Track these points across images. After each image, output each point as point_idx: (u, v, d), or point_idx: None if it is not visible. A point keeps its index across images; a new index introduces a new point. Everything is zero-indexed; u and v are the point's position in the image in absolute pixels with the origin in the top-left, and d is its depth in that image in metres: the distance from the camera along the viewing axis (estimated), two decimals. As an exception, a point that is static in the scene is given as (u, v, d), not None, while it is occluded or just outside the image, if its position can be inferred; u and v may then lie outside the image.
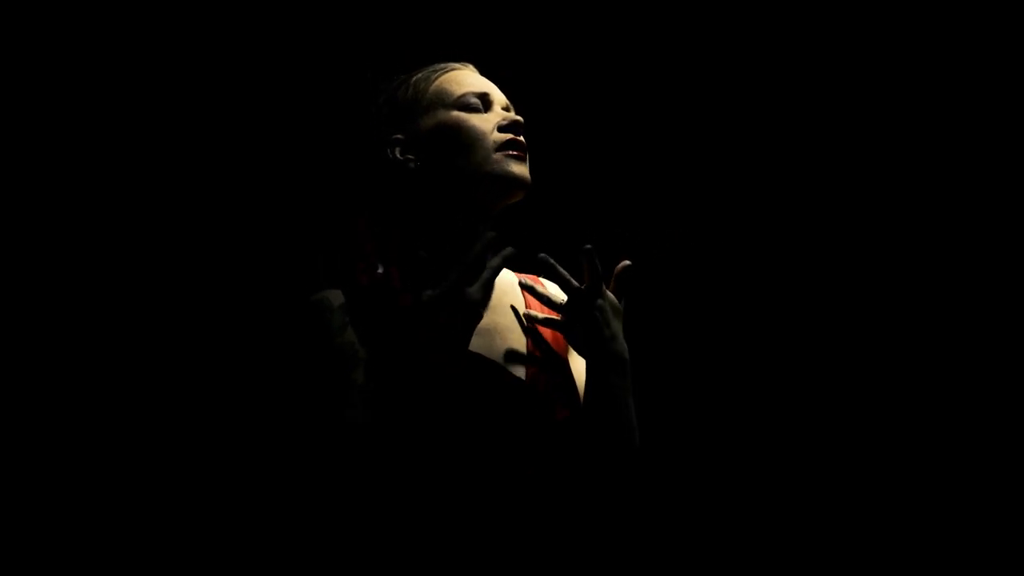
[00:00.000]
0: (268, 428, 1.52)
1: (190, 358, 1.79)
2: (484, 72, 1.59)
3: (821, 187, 2.41)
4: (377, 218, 1.47)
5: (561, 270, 1.49)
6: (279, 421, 1.41)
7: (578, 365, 1.51)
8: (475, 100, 1.51)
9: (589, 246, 1.46)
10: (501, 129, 1.49)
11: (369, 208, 1.50)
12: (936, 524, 2.32)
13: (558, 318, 1.50)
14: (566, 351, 1.52)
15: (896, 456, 2.35)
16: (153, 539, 1.73)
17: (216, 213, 1.90)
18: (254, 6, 1.97)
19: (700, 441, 2.34)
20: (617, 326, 1.46)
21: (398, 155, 1.48)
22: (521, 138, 1.50)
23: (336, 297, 1.40)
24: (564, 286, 1.48)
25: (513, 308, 1.51)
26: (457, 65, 1.57)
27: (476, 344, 1.43)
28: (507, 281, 1.55)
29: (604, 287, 1.47)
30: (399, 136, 1.49)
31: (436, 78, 1.53)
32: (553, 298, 1.51)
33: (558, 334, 1.51)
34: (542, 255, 1.48)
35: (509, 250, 1.31)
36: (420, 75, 1.54)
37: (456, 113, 1.49)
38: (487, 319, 1.48)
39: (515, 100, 1.58)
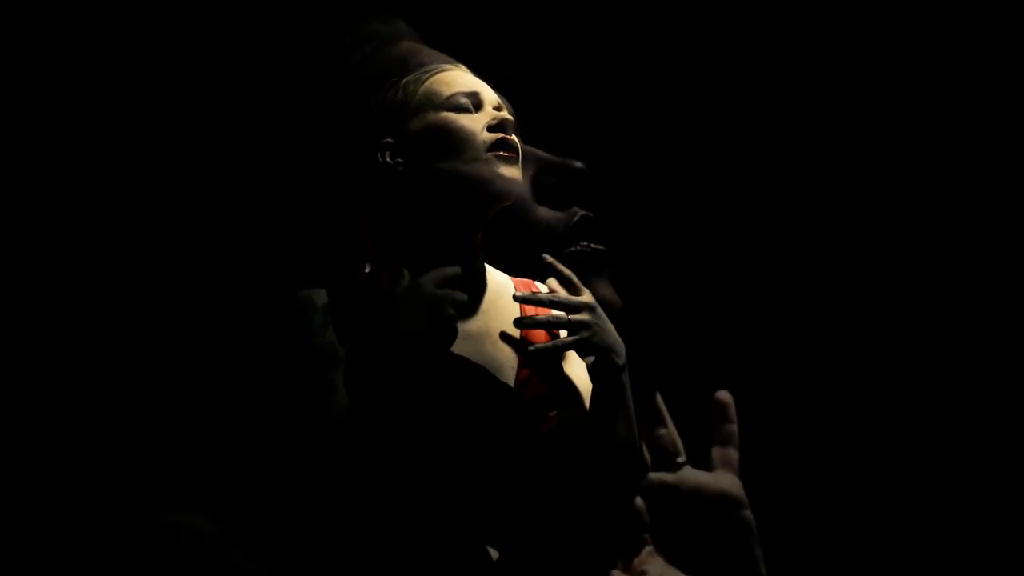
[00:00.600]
0: (245, 426, 1.50)
1: (168, 354, 1.79)
2: (483, 72, 1.56)
3: (822, 187, 2.41)
4: (373, 220, 1.47)
5: (565, 271, 1.47)
6: (255, 420, 1.38)
7: (575, 371, 1.48)
8: (465, 100, 1.46)
9: (545, 255, 1.46)
10: (490, 129, 1.45)
11: (362, 211, 1.50)
12: (935, 525, 2.32)
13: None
14: (563, 357, 1.48)
15: (896, 457, 2.35)
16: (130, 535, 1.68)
17: (200, 211, 1.89)
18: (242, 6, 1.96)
19: (700, 441, 2.34)
20: (610, 332, 1.43)
21: (388, 159, 1.45)
22: (512, 137, 1.46)
23: (320, 296, 1.38)
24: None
25: (506, 312, 1.47)
26: (448, 66, 1.54)
27: (463, 348, 1.40)
28: (501, 284, 1.52)
29: (584, 290, 1.45)
30: (389, 140, 1.46)
31: (426, 79, 1.49)
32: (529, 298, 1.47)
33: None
34: (546, 256, 1.47)
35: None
36: (410, 77, 1.50)
37: (445, 114, 1.45)
38: (478, 322, 1.45)
39: (514, 100, 1.55)
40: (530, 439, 1.39)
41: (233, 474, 1.55)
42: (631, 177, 2.33)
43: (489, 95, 1.50)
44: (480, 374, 1.39)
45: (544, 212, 1.61)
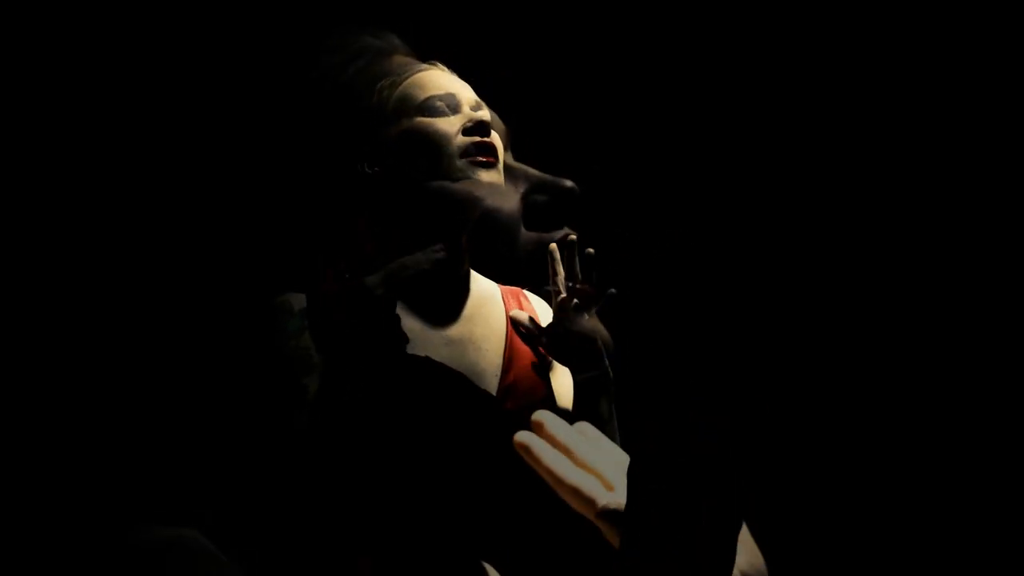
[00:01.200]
0: (220, 430, 1.49)
1: (147, 354, 1.78)
2: (483, 72, 1.52)
3: (821, 187, 2.40)
4: (373, 222, 1.44)
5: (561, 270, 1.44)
6: (231, 423, 1.38)
7: (562, 379, 1.46)
8: (440, 104, 1.40)
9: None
10: (466, 132, 1.38)
11: (362, 212, 1.47)
12: (934, 524, 2.31)
13: (544, 327, 1.44)
14: (549, 366, 1.46)
15: (895, 458, 2.35)
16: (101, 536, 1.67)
17: (181, 214, 1.89)
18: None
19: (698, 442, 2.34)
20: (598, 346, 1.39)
21: (366, 168, 1.40)
22: (487, 139, 1.38)
23: (298, 300, 1.35)
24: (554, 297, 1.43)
25: (491, 319, 1.44)
26: (425, 65, 1.47)
27: (444, 354, 1.36)
28: (486, 290, 1.48)
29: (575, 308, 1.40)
30: (366, 148, 1.40)
31: (401, 82, 1.42)
32: (536, 315, 1.45)
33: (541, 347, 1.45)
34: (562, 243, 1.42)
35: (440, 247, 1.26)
36: (386, 81, 1.43)
37: (419, 120, 1.39)
38: (460, 328, 1.41)
39: (514, 100, 1.51)
40: (508, 450, 1.32)
41: (209, 478, 1.54)
42: (631, 177, 2.33)
43: (466, 95, 1.44)
44: (460, 382, 1.35)
45: (531, 233, 1.57)
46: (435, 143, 1.37)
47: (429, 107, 1.40)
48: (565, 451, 0.74)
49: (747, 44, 2.40)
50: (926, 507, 2.32)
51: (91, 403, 1.77)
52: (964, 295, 2.35)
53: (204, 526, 1.28)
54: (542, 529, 1.35)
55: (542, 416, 0.74)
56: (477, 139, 1.38)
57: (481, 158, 1.37)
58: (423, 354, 1.35)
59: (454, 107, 1.41)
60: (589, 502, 0.72)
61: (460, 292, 1.45)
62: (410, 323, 1.37)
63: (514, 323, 1.45)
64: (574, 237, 1.47)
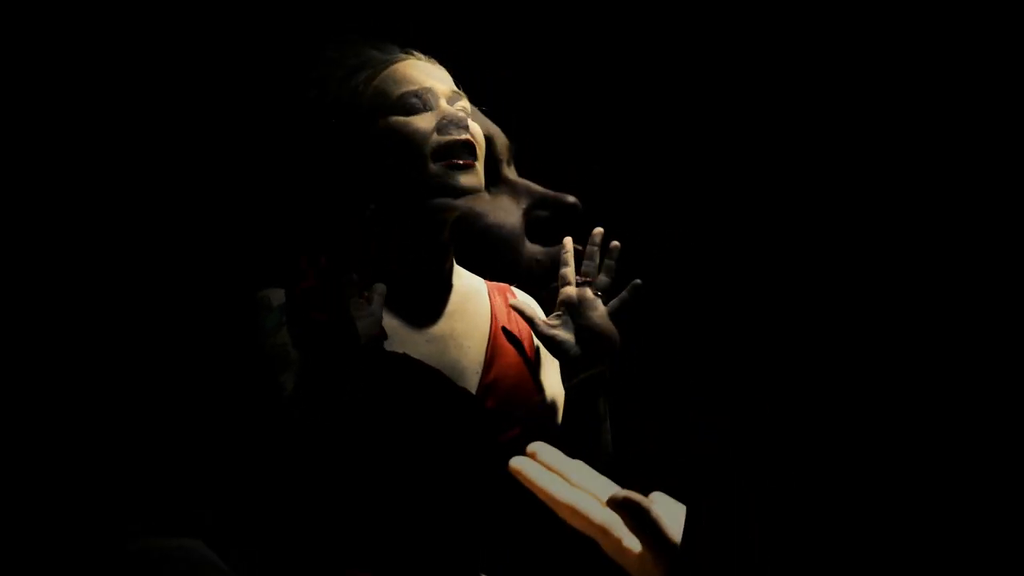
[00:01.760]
0: (197, 425, 1.46)
1: (129, 349, 1.77)
2: (480, 72, 1.48)
3: (821, 187, 2.40)
4: (374, 220, 1.41)
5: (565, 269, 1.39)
6: (207, 419, 1.34)
7: (551, 377, 1.41)
8: (414, 100, 1.33)
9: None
10: (440, 131, 1.31)
11: (362, 212, 1.45)
12: (934, 524, 2.31)
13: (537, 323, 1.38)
14: (536, 363, 1.41)
15: (895, 458, 2.35)
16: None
17: (164, 211, 1.88)
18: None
19: (699, 443, 2.34)
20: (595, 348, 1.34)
21: (346, 167, 1.34)
22: (464, 136, 1.32)
23: (277, 296, 1.32)
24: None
25: (474, 316, 1.40)
26: (402, 55, 1.40)
27: (424, 351, 1.32)
28: (471, 287, 1.44)
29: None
30: (346, 147, 1.34)
31: (376, 76, 1.36)
32: (525, 309, 1.39)
33: (527, 343, 1.41)
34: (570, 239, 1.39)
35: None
36: (362, 75, 1.36)
37: (393, 119, 1.32)
38: (442, 325, 1.37)
39: (513, 99, 1.48)
40: (488, 449, 1.29)
41: (200, 477, 1.53)
42: (631, 177, 2.33)
43: (442, 87, 1.37)
44: (439, 379, 1.31)
45: (533, 247, 1.52)
46: (409, 145, 1.31)
47: (404, 104, 1.34)
48: (560, 475, 0.75)
49: (747, 44, 2.40)
50: (926, 507, 2.32)
51: (78, 403, 1.76)
52: (964, 295, 2.35)
53: (204, 526, 1.27)
54: (521, 526, 1.33)
55: (536, 446, 0.76)
56: (451, 138, 1.31)
57: (457, 160, 1.31)
58: (401, 351, 1.32)
59: (429, 103, 1.34)
60: (585, 518, 0.73)
61: (442, 289, 1.41)
62: (390, 320, 1.33)
63: (517, 312, 1.40)
64: (600, 229, 1.43)
